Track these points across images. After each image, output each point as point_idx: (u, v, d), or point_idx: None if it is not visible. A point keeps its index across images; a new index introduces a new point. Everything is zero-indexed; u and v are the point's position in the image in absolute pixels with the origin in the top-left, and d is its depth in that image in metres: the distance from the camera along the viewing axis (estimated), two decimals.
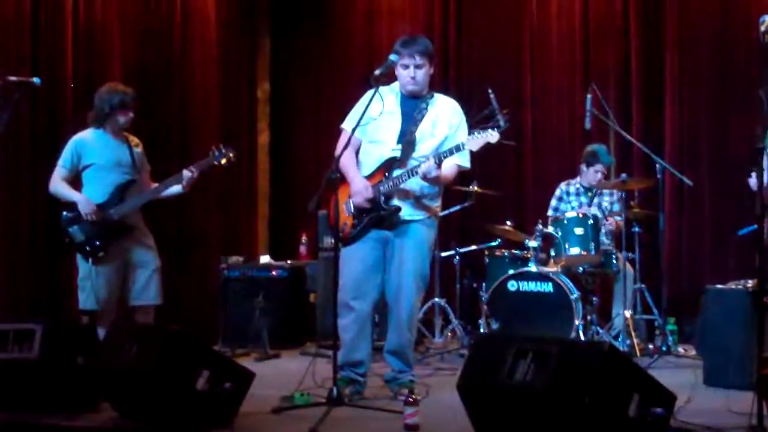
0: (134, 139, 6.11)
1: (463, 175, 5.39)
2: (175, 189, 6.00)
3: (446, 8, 9.00)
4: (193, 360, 4.30)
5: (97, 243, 5.78)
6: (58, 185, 5.91)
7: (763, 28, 4.05)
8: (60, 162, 5.92)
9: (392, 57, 5.12)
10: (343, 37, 9.60)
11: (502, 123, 5.13)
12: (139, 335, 4.54)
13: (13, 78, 5.40)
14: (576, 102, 8.15)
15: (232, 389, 4.33)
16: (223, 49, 8.95)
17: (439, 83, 8.17)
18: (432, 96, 5.31)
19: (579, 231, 6.83)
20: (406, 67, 5.17)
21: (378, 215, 5.14)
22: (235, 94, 9.22)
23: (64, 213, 5.86)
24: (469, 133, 5.02)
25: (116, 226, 5.84)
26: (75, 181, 5.95)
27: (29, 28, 6.87)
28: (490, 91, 6.21)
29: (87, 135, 5.96)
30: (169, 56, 8.24)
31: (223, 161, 5.99)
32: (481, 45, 8.92)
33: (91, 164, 5.90)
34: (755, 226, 4.41)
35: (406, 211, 5.16)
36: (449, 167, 5.12)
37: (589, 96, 6.85)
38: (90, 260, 5.79)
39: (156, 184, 6.06)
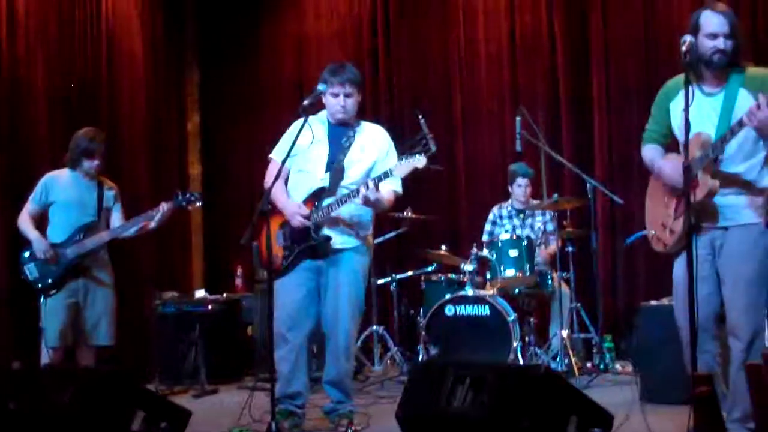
0: (109, 183, 6.13)
1: (396, 202, 5.39)
2: (132, 231, 6.00)
3: (374, 35, 9.03)
4: (127, 401, 4.22)
5: (49, 281, 5.81)
6: (22, 221, 5.96)
7: (684, 48, 4.09)
8: (30, 197, 5.97)
9: (320, 87, 5.10)
10: (271, 67, 9.61)
11: (432, 146, 5.13)
12: (72, 377, 4.44)
13: None
14: (506, 125, 8.23)
15: (168, 429, 4.26)
16: (150, 82, 8.85)
17: (370, 110, 8.19)
18: (359, 124, 5.30)
19: (513, 253, 6.87)
20: (336, 95, 5.16)
21: (309, 245, 5.11)
22: (165, 127, 9.11)
23: (24, 250, 5.90)
24: (399, 159, 5.01)
25: (71, 265, 5.83)
26: (44, 217, 5.99)
27: None
28: (419, 115, 6.21)
29: (60, 173, 6.03)
30: (94, 90, 8.10)
31: (189, 207, 6.10)
32: (411, 71, 8.96)
33: (55, 202, 5.94)
34: (641, 233, 4.46)
35: (338, 240, 5.13)
36: (386, 192, 5.09)
37: (518, 118, 6.87)
38: (42, 298, 5.81)
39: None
